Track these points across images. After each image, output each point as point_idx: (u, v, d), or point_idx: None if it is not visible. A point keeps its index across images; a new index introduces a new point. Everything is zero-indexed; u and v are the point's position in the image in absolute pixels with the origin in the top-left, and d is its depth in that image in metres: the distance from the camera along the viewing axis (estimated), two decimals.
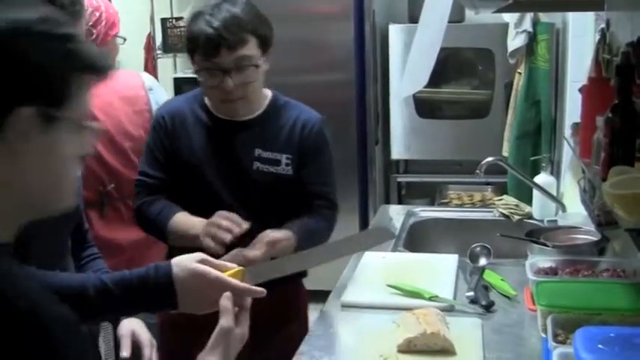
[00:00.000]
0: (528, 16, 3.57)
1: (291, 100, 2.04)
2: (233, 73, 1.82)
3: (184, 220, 1.89)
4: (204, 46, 1.81)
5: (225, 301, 1.19)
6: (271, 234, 1.80)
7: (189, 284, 1.23)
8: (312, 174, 1.99)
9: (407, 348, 1.64)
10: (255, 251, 1.74)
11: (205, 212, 1.84)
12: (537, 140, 3.60)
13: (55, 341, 0.83)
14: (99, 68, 0.94)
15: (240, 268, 1.27)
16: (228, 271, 1.26)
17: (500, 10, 2.33)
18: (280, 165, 1.94)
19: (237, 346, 1.19)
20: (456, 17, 3.92)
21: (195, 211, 1.89)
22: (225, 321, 1.17)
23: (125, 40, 2.42)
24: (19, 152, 0.87)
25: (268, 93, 2.01)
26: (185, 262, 1.26)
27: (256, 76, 1.87)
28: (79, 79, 0.91)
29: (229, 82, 1.83)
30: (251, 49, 1.83)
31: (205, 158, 1.94)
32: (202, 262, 1.26)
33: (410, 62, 2.45)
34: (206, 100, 1.97)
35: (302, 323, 2.09)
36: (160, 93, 2.50)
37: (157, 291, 1.24)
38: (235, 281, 1.23)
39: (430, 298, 1.93)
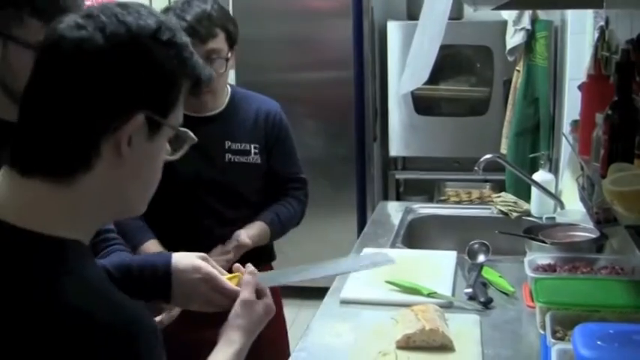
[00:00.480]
0: (527, 14, 3.57)
1: (248, 91, 2.14)
2: None
3: (154, 251, 1.93)
4: None
5: (247, 276, 1.23)
6: (242, 236, 1.94)
7: (186, 273, 1.24)
8: (282, 160, 2.10)
9: (405, 344, 1.65)
10: (228, 256, 1.90)
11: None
12: (536, 137, 3.61)
13: (138, 352, 0.83)
14: (204, 78, 0.95)
15: (237, 274, 1.28)
16: (225, 276, 1.29)
17: (498, 8, 2.32)
18: (250, 155, 2.03)
19: (263, 318, 1.22)
20: (455, 14, 3.91)
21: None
22: (245, 294, 1.21)
23: None
24: (125, 158, 0.87)
25: (228, 88, 2.09)
26: (186, 255, 1.29)
27: (224, 69, 1.95)
28: (185, 87, 0.92)
29: None
30: (220, 43, 1.92)
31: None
32: (203, 259, 1.28)
33: (410, 59, 2.45)
34: None
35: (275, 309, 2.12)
36: None
37: (154, 275, 1.25)
38: (228, 282, 1.25)
39: (429, 295, 1.93)
